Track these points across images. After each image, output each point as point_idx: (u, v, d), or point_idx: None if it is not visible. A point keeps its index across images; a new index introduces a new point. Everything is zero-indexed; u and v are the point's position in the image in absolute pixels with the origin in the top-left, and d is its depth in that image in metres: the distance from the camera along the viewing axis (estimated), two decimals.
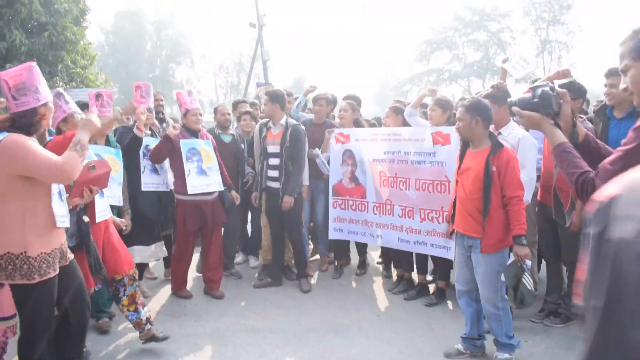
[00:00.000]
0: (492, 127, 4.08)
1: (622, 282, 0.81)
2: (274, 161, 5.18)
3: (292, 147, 5.10)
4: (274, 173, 5.20)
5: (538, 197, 4.41)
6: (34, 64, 2.92)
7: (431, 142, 4.69)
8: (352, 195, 5.35)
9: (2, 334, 3.13)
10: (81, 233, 3.44)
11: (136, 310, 3.79)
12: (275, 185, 5.19)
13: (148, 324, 3.83)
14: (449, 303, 4.79)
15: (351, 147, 5.29)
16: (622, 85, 2.53)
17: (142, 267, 4.93)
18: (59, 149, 2.99)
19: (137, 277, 3.85)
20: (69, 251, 3.08)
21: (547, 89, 2.14)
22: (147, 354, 3.82)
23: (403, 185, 4.91)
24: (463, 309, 3.81)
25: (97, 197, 3.66)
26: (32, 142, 2.74)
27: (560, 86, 4.11)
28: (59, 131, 3.79)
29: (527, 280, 3.32)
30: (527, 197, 3.92)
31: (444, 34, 42.28)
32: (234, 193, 5.24)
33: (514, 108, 2.21)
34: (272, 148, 5.18)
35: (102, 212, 3.80)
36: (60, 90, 3.86)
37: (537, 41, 39.65)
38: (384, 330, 4.26)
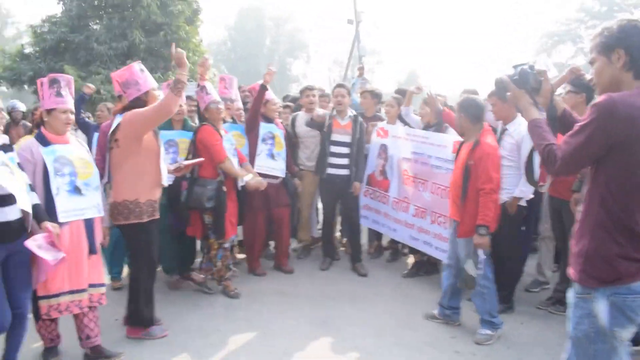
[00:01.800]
0: (500, 123, 4.39)
1: None
2: (342, 150, 5.49)
3: (361, 138, 5.58)
4: (341, 161, 5.49)
5: (548, 191, 4.61)
6: (135, 63, 3.89)
7: (451, 149, 4.79)
8: (379, 188, 5.77)
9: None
10: (219, 199, 4.48)
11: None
12: (342, 172, 5.50)
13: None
14: None
15: (387, 143, 5.65)
16: (588, 77, 2.84)
17: None
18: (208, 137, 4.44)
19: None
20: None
21: (525, 67, 2.37)
22: (190, 305, 4.68)
23: (421, 187, 5.20)
24: (442, 280, 4.31)
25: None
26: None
27: (569, 82, 4.32)
28: (202, 119, 4.86)
29: (470, 267, 3.75)
30: (528, 192, 4.19)
31: (567, 26, 39.84)
32: (296, 181, 5.68)
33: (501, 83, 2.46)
34: (341, 137, 5.49)
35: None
36: (204, 83, 4.70)
37: None
38: (391, 301, 4.82)
